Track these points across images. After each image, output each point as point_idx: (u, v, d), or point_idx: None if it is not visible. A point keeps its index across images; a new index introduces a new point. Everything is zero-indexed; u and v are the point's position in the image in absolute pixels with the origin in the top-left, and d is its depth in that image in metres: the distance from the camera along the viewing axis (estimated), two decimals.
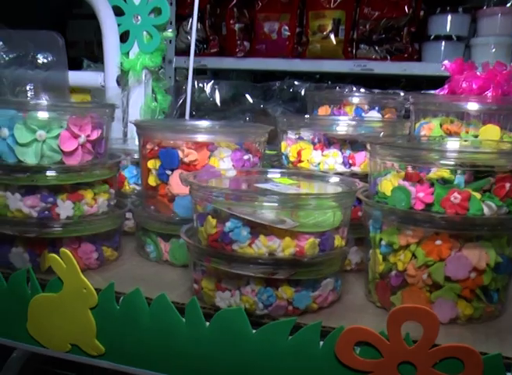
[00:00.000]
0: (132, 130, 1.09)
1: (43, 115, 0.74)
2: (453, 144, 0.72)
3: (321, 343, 0.62)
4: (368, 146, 0.68)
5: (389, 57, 1.77)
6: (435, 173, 0.64)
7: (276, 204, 0.63)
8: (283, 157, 0.83)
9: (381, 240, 0.68)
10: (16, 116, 0.73)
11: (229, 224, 0.64)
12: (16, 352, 0.94)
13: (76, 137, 0.74)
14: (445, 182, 0.63)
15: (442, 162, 0.63)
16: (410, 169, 0.65)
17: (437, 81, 1.36)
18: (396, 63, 1.76)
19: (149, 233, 0.81)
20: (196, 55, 1.81)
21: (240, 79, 1.99)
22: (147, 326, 0.68)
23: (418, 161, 0.65)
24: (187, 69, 1.66)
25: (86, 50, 2.39)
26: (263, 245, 0.63)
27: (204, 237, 0.67)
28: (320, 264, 0.65)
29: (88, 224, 0.77)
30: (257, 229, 0.64)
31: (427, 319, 0.58)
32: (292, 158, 0.81)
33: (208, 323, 0.65)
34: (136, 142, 1.00)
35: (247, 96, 1.51)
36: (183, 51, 1.89)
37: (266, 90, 1.50)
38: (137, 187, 0.92)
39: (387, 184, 0.66)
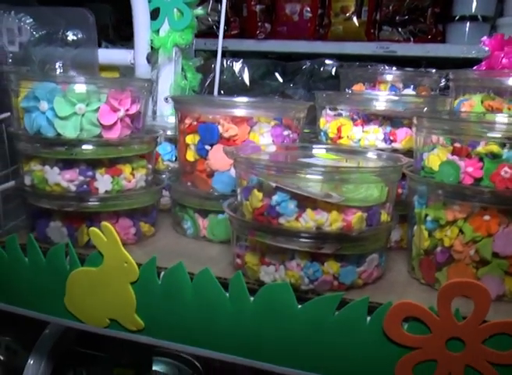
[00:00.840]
0: (161, 107, 1.09)
1: (82, 88, 0.73)
2: (500, 118, 0.70)
3: (368, 318, 0.62)
4: (415, 120, 0.68)
5: (412, 39, 1.75)
6: (483, 147, 0.63)
7: (323, 177, 0.62)
8: (322, 134, 0.82)
9: (426, 216, 0.67)
10: (55, 90, 0.73)
11: (275, 197, 0.63)
12: (48, 328, 0.94)
13: (115, 110, 0.74)
14: (494, 156, 0.62)
15: (491, 135, 0.62)
16: (457, 144, 0.64)
17: (461, 63, 1.35)
18: (420, 45, 1.74)
19: (186, 210, 0.81)
20: (216, 36, 1.80)
21: None
22: (190, 301, 0.68)
23: (467, 135, 0.64)
24: (207, 51, 1.65)
25: (101, 33, 2.38)
26: (310, 219, 0.62)
27: (248, 210, 0.66)
28: (366, 239, 0.65)
29: (126, 199, 0.76)
30: (304, 203, 0.63)
31: (478, 293, 0.57)
32: (331, 135, 0.80)
33: (252, 298, 0.65)
34: (169, 119, 1.00)
35: (277, 75, 1.50)
36: (204, 34, 1.88)
37: (296, 69, 1.49)
38: (171, 165, 0.91)
39: (434, 159, 0.65)
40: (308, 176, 0.62)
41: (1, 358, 1.11)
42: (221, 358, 0.70)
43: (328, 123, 0.81)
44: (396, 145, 0.77)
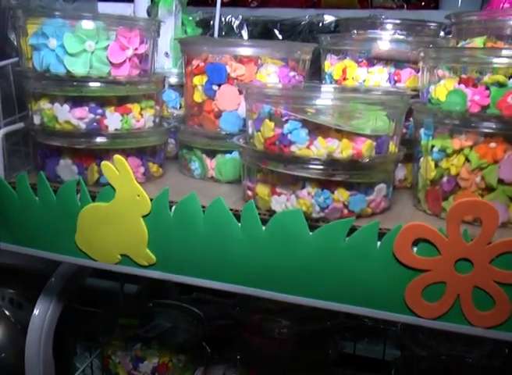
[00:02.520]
0: (162, 62, 1.09)
1: (91, 25, 0.73)
2: (505, 51, 0.72)
3: (379, 243, 0.63)
4: (422, 53, 0.69)
5: (405, 5, 1.75)
6: (490, 77, 0.64)
7: (334, 103, 0.64)
8: (326, 77, 0.83)
9: (433, 147, 0.68)
10: (64, 26, 0.73)
11: (287, 126, 0.64)
12: (54, 276, 0.95)
13: (124, 49, 0.74)
14: (500, 85, 0.64)
15: (497, 61, 0.63)
16: (464, 75, 0.66)
17: None
18: (413, 11, 1.75)
19: (194, 151, 0.82)
20: (207, 5, 1.79)
21: None
22: (202, 232, 0.69)
23: (473, 64, 0.65)
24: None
25: None
26: (321, 146, 0.64)
27: (260, 141, 0.67)
28: (375, 167, 0.66)
29: (135, 138, 0.77)
30: (316, 131, 0.64)
31: (487, 213, 0.59)
32: (336, 77, 0.81)
33: (264, 228, 0.66)
34: (173, 68, 1.00)
35: (276, 31, 1.50)
36: (197, 2, 1.87)
37: (295, 25, 1.50)
38: (176, 112, 0.92)
39: (441, 90, 0.67)
40: (320, 102, 0.63)
41: (7, 313, 1.11)
42: (233, 290, 0.71)
43: (332, 66, 0.82)
44: (400, 85, 0.79)
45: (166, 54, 1.09)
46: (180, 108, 0.92)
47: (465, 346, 0.92)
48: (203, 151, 0.81)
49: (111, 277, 1.27)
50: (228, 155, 0.80)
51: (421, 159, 0.71)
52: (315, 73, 0.90)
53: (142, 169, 0.79)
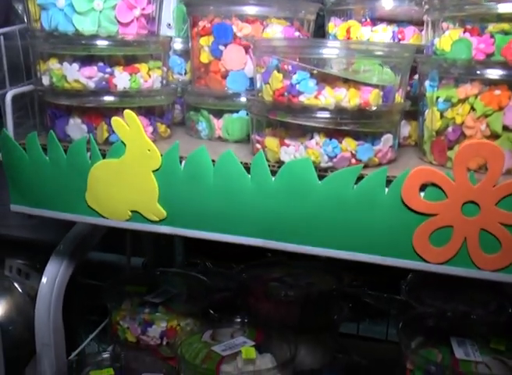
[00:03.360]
0: (165, 30, 1.09)
1: None
2: None
3: (387, 190, 0.65)
4: (426, 5, 0.70)
5: None
6: (494, 26, 0.66)
7: (341, 51, 0.65)
8: (330, 38, 0.85)
9: (438, 98, 0.69)
10: None
11: (296, 76, 0.65)
12: (62, 242, 0.95)
13: (131, 8, 0.75)
14: (505, 33, 0.65)
15: (501, 11, 0.65)
16: (469, 25, 0.67)
17: None
18: None
19: (201, 112, 0.83)
20: None
21: None
22: (212, 185, 0.70)
23: (477, 14, 0.66)
24: None
25: None
26: (330, 95, 0.65)
27: (269, 93, 0.68)
28: (382, 116, 0.68)
29: (144, 97, 0.78)
30: (323, 82, 0.66)
31: (493, 154, 0.60)
32: (340, 37, 0.82)
33: (273, 178, 0.68)
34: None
35: None
36: None
37: None
38: (181, 78, 0.93)
39: (446, 40, 0.68)
40: (328, 51, 0.65)
41: (15, 283, 1.13)
42: (244, 242, 0.72)
43: (336, 26, 0.83)
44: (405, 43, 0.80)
45: (168, 25, 1.10)
46: (186, 74, 0.93)
47: (469, 305, 0.93)
48: (210, 112, 0.82)
49: (117, 251, 1.28)
50: (235, 115, 0.81)
51: (427, 112, 0.72)
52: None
53: (150, 129, 0.80)
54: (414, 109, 0.76)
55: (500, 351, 0.80)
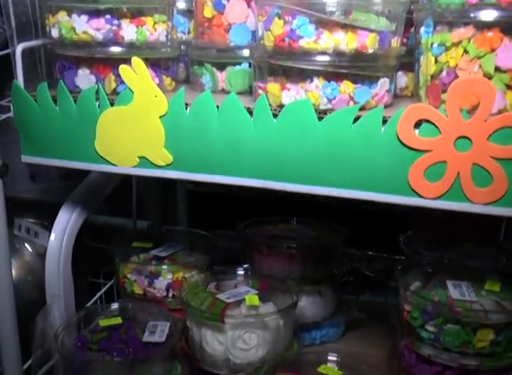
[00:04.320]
0: None
1: None
2: None
3: (383, 128, 0.68)
4: None
5: None
6: None
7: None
8: None
9: (433, 43, 0.72)
10: None
11: (296, 22, 0.68)
12: (70, 197, 0.98)
13: None
14: None
15: None
16: None
17: None
18: None
19: (204, 65, 0.86)
20: None
21: None
22: (216, 129, 0.74)
23: None
24: None
25: None
26: (328, 39, 0.68)
27: (270, 39, 0.71)
28: (378, 59, 0.71)
29: (150, 48, 0.81)
30: (322, 27, 0.69)
31: (484, 88, 0.64)
32: None
33: (275, 120, 0.71)
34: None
35: None
36: None
37: None
38: (185, 36, 0.96)
39: None
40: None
41: (24, 243, 1.16)
42: (247, 183, 0.75)
43: None
44: None
45: None
46: (189, 33, 0.96)
47: (466, 256, 0.96)
48: (213, 65, 0.85)
49: (123, 214, 1.31)
50: (237, 67, 0.84)
51: (422, 58, 0.75)
52: None
53: (156, 81, 0.82)
54: (410, 61, 0.79)
55: (495, 292, 0.84)
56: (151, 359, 0.87)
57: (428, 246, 1.00)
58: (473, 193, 0.66)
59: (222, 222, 1.25)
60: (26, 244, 1.17)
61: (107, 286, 1.22)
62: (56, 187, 1.28)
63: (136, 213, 1.24)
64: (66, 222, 0.96)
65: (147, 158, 0.78)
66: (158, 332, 0.91)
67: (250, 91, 0.82)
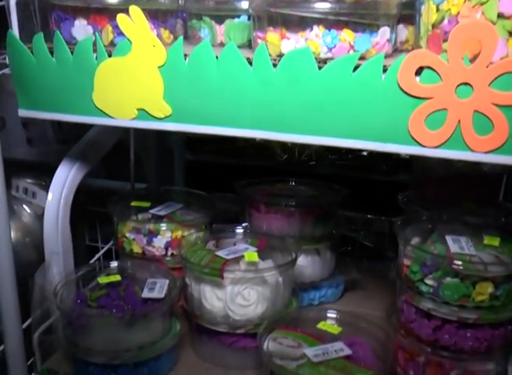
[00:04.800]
0: None
1: None
2: None
3: (384, 76, 0.67)
4: None
5: None
6: None
7: None
8: None
9: None
10: None
11: None
12: (68, 154, 0.97)
13: None
14: None
15: None
16: None
17: None
18: None
19: (203, 19, 0.84)
20: None
21: None
22: (216, 78, 0.73)
23: None
24: None
25: None
26: None
27: None
28: (379, 8, 0.70)
29: (148, 1, 0.80)
30: None
31: (486, 32, 0.63)
32: None
33: (275, 69, 0.70)
34: None
35: None
36: None
37: None
38: None
39: None
40: None
41: (22, 204, 1.15)
42: (247, 135, 0.74)
43: None
44: None
45: None
46: None
47: (465, 214, 0.96)
48: (212, 18, 0.84)
49: (121, 178, 1.30)
50: (236, 20, 0.83)
51: (423, 7, 0.74)
52: None
53: (155, 32, 0.82)
54: (411, 13, 0.78)
55: (494, 246, 0.83)
56: (150, 315, 0.88)
57: (427, 205, 1.00)
58: (474, 141, 0.66)
59: (219, 188, 1.24)
60: (24, 206, 1.16)
61: (105, 248, 1.22)
62: (53, 151, 1.27)
63: (134, 175, 1.23)
64: (65, 177, 0.95)
65: (145, 111, 0.77)
66: (157, 288, 0.91)
67: (249, 45, 0.81)
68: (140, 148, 1.26)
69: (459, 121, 0.66)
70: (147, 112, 0.77)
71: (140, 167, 1.30)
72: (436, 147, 0.67)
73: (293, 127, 0.72)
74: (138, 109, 0.77)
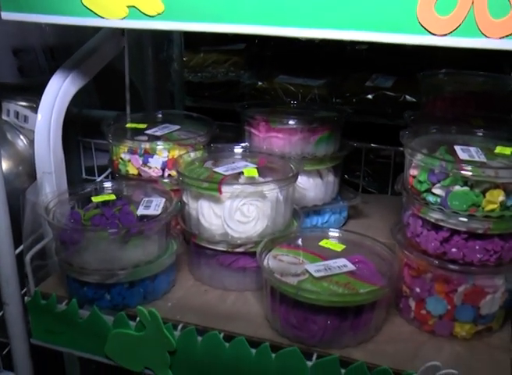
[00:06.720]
0: None
1: None
2: None
3: None
4: None
5: None
6: None
7: None
8: None
9: None
10: None
11: None
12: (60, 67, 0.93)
13: None
14: None
15: None
16: None
17: None
18: None
19: None
20: None
21: None
22: None
23: None
24: None
25: None
26: None
27: None
28: None
29: None
30: None
31: None
32: None
33: None
34: None
35: None
36: None
37: None
38: None
39: None
40: None
41: (14, 129, 1.10)
42: (245, 31, 0.70)
43: None
44: None
45: None
46: None
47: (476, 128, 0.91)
48: None
49: (117, 108, 1.26)
50: None
51: None
52: None
53: None
54: None
55: (505, 155, 0.79)
56: (145, 232, 0.84)
57: (435, 122, 0.95)
58: (488, 25, 0.61)
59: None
60: (17, 132, 1.12)
61: (102, 176, 1.18)
62: (45, 81, 1.22)
63: (130, 103, 1.18)
64: (56, 91, 0.91)
65: (136, 8, 0.73)
66: (152, 206, 0.88)
67: None
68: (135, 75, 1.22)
69: (472, 2, 0.61)
70: (139, 10, 0.72)
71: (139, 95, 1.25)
72: (447, 34, 0.63)
73: (292, 20, 0.67)
74: (129, 7, 0.73)
